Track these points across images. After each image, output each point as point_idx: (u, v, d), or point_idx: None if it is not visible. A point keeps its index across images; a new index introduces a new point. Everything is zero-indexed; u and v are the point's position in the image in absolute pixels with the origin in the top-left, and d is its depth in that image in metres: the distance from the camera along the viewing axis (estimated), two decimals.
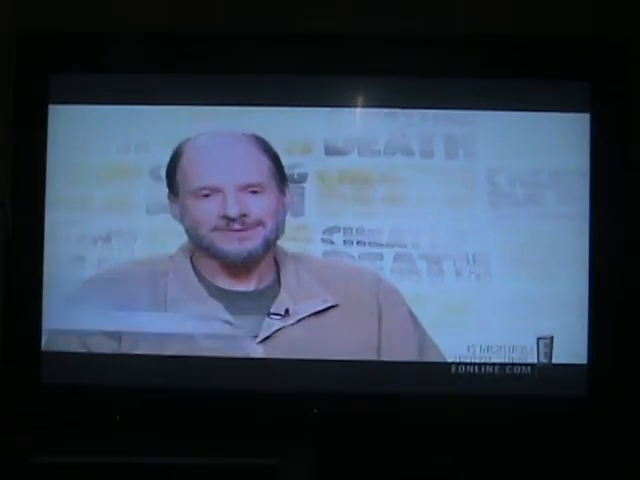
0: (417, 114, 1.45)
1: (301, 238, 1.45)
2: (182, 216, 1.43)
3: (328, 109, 1.46)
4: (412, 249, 1.45)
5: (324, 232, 1.45)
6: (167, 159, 1.44)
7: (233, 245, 1.41)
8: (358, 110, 1.47)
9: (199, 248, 1.44)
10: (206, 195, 1.41)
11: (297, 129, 1.45)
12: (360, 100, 1.47)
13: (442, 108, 1.45)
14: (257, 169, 1.43)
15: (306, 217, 1.45)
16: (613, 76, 1.45)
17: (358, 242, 1.45)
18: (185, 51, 1.47)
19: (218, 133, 1.45)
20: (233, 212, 1.40)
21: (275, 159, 1.44)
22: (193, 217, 1.42)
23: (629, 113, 1.46)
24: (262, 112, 1.45)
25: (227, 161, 1.43)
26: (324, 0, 1.51)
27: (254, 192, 1.41)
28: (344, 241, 1.45)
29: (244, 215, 1.40)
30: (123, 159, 1.45)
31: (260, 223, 1.41)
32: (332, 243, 1.45)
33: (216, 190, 1.40)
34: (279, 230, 1.44)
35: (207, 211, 1.41)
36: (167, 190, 1.44)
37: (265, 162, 1.44)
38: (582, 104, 1.45)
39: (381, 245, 1.45)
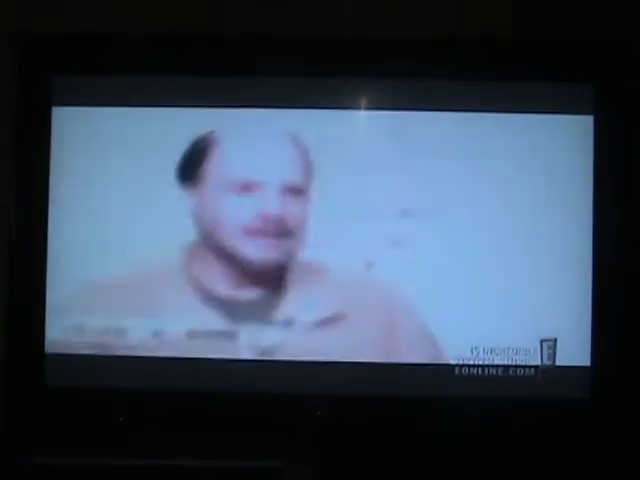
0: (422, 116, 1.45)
1: None
2: (200, 211, 1.34)
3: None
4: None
5: None
6: (172, 159, 1.40)
7: (259, 252, 1.31)
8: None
9: (210, 248, 1.38)
10: (242, 189, 1.28)
11: None
12: (359, 103, 1.46)
13: (443, 110, 1.45)
14: (301, 169, 1.31)
15: None
16: (616, 77, 1.45)
17: None
18: (187, 53, 1.46)
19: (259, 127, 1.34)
20: (274, 211, 1.27)
21: (311, 166, 1.34)
22: (218, 213, 1.31)
23: (633, 113, 1.46)
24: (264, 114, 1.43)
25: (271, 155, 1.29)
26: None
27: (294, 195, 1.29)
28: None
29: (282, 218, 1.29)
30: (127, 161, 1.45)
31: (291, 234, 1.31)
32: None
33: (256, 185, 1.28)
34: (301, 242, 1.38)
35: (241, 208, 1.29)
36: (180, 182, 1.35)
37: (307, 165, 1.33)
38: (586, 106, 1.44)
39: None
